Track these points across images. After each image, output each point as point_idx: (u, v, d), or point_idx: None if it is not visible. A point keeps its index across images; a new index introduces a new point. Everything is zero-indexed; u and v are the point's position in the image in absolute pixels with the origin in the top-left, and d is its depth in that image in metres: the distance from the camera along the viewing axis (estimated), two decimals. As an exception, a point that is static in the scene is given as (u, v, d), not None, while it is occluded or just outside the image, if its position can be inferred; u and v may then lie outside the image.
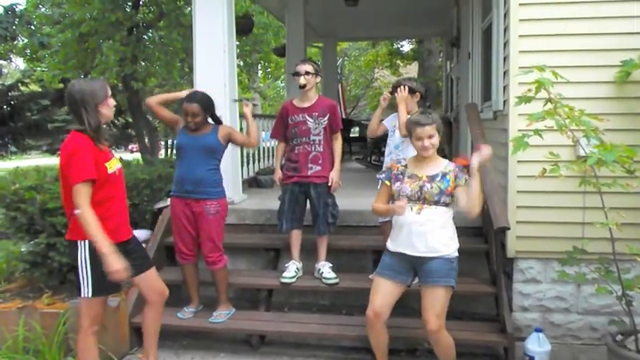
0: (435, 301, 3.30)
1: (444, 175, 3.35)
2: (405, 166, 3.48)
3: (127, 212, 3.41)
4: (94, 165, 3.04)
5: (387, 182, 3.50)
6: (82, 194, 2.98)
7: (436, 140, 3.35)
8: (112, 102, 3.23)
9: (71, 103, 3.11)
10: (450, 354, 3.46)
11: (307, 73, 4.38)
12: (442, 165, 3.41)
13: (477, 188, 3.24)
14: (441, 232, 3.31)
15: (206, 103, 4.18)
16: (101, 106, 3.14)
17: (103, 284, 3.13)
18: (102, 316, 3.37)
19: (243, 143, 4.51)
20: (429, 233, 3.29)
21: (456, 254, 3.37)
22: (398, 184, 3.42)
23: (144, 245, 3.92)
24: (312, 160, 4.43)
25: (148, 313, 3.62)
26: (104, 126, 3.30)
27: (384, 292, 3.44)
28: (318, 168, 4.44)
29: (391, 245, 3.48)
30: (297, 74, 4.40)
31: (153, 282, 3.55)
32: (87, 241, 3.07)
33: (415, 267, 3.38)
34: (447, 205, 3.34)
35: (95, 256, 3.04)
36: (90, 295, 3.16)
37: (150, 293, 3.54)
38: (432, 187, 3.31)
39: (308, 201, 4.53)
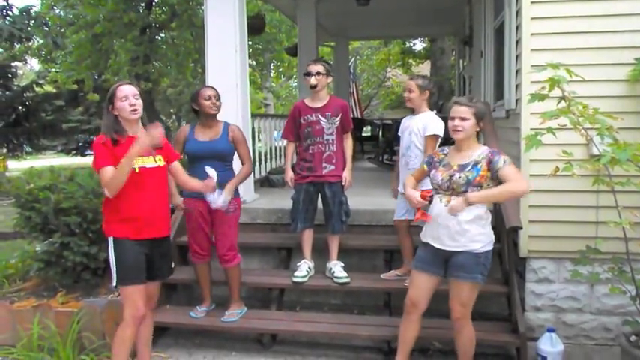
0: (460, 293, 3.30)
1: (475, 165, 3.19)
2: (446, 154, 3.40)
3: (162, 211, 3.46)
4: (109, 155, 3.24)
5: (424, 166, 3.49)
6: (102, 176, 3.22)
7: (468, 125, 3.21)
8: (122, 104, 3.29)
9: None
10: (469, 347, 3.45)
11: (318, 73, 4.38)
12: (476, 153, 3.24)
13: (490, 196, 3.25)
14: (469, 226, 3.20)
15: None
16: (113, 109, 3.32)
17: (126, 275, 3.33)
18: (143, 306, 3.38)
19: (242, 161, 4.35)
20: (454, 227, 3.21)
21: (487, 249, 3.25)
22: (433, 171, 3.38)
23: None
24: (326, 159, 4.44)
25: (140, 324, 3.56)
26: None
27: (417, 285, 3.43)
28: (332, 167, 4.44)
29: (422, 235, 3.47)
30: (309, 74, 4.40)
31: (152, 291, 3.59)
32: (112, 238, 3.33)
33: (445, 258, 3.32)
34: None
35: (118, 251, 3.32)
36: (115, 283, 3.35)
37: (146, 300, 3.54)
38: (459, 177, 3.19)
39: (319, 200, 4.54)
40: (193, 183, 3.70)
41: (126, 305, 3.36)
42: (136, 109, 3.32)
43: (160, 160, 3.43)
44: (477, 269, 3.23)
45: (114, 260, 3.32)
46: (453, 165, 3.28)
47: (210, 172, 3.62)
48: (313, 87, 4.40)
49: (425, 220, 3.38)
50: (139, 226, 3.33)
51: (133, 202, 3.29)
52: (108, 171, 3.19)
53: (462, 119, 3.21)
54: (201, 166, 4.14)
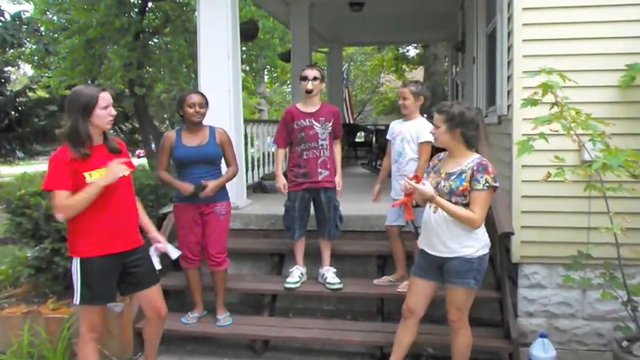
0: (455, 298, 3.30)
1: (461, 174, 3.15)
2: (440, 159, 3.38)
3: (130, 222, 3.29)
4: (68, 175, 3.01)
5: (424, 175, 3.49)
6: (55, 197, 2.99)
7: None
8: (103, 112, 3.09)
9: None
10: (465, 351, 3.43)
11: (315, 78, 4.38)
12: (466, 162, 3.18)
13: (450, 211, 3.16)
14: (459, 231, 3.18)
15: (206, 97, 4.24)
16: (89, 116, 3.06)
17: (90, 294, 3.18)
18: (101, 325, 3.34)
19: (228, 163, 4.34)
20: (445, 233, 3.21)
21: (480, 254, 3.21)
22: (426, 177, 3.39)
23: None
24: (321, 164, 4.43)
25: (146, 327, 3.63)
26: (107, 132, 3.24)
27: (415, 291, 3.43)
28: (327, 173, 4.45)
29: (419, 242, 3.47)
30: (305, 79, 4.39)
31: (152, 300, 3.44)
32: (78, 258, 3.15)
33: (440, 265, 3.31)
34: (465, 204, 3.15)
35: (84, 269, 3.14)
36: (77, 302, 3.21)
37: (148, 310, 3.49)
38: (444, 186, 3.18)
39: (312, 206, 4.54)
40: (145, 219, 3.51)
41: (82, 322, 3.27)
42: (112, 120, 3.18)
43: (124, 169, 3.18)
44: (470, 274, 3.22)
45: (79, 280, 3.14)
46: (442, 172, 3.27)
47: (174, 253, 3.63)
48: (309, 92, 4.39)
49: (407, 217, 3.43)
50: (103, 241, 3.14)
51: (96, 216, 3.10)
52: (62, 195, 2.98)
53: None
54: (191, 171, 4.15)
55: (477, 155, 3.23)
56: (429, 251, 3.33)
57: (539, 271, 4.28)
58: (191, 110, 4.12)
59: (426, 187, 3.17)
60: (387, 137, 4.46)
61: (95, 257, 3.14)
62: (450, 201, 3.16)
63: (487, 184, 3.10)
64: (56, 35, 12.35)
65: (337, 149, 4.59)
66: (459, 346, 3.43)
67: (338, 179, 4.51)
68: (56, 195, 2.98)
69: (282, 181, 4.58)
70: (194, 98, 4.14)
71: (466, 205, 3.15)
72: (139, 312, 4.27)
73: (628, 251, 3.59)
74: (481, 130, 3.36)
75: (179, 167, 4.25)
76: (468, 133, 3.18)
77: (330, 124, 4.44)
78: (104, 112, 3.09)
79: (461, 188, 3.14)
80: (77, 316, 4.05)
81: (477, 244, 3.22)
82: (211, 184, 4.12)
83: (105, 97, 3.11)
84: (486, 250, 3.28)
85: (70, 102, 3.07)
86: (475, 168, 3.13)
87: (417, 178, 3.28)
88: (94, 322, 3.27)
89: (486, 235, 3.31)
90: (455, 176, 3.18)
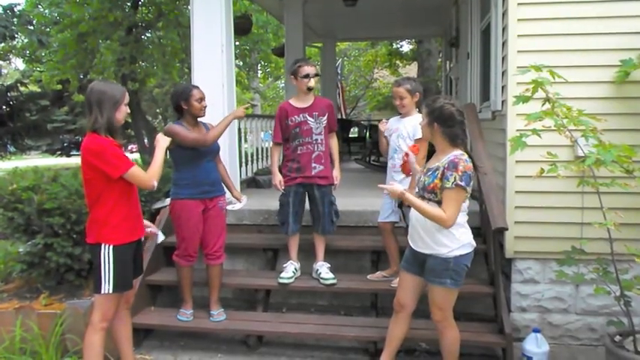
0: (434, 297, 3.30)
1: (435, 170, 3.12)
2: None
3: (140, 209, 3.50)
4: (128, 158, 3.26)
5: None
6: (137, 174, 3.22)
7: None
8: (125, 107, 3.31)
9: (89, 101, 3.22)
10: (453, 348, 3.44)
11: (316, 75, 4.41)
12: (444, 158, 3.11)
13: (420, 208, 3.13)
14: (432, 229, 3.16)
15: None
16: (117, 109, 3.25)
17: (122, 282, 3.31)
18: (113, 315, 3.41)
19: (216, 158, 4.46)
20: (422, 228, 3.22)
21: (457, 254, 3.16)
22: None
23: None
24: (315, 159, 4.42)
25: (120, 325, 3.59)
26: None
27: (404, 285, 3.45)
28: (322, 167, 4.44)
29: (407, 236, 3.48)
30: (307, 76, 4.34)
31: (133, 291, 3.60)
32: (110, 246, 3.25)
33: (421, 260, 3.31)
34: (438, 202, 3.09)
35: (116, 256, 3.26)
36: (110, 290, 3.28)
37: (123, 301, 3.54)
38: (420, 180, 3.22)
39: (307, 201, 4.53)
40: None
41: (99, 310, 3.33)
42: (127, 115, 3.40)
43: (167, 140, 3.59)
44: (447, 274, 3.19)
45: (111, 268, 3.24)
46: (426, 166, 3.29)
47: (161, 237, 3.79)
48: (311, 89, 4.40)
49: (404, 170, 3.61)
50: (132, 227, 3.35)
51: (125, 202, 3.30)
52: (138, 170, 3.23)
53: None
54: (203, 164, 4.16)
55: (456, 152, 3.13)
56: (412, 245, 3.36)
57: (532, 266, 4.29)
58: (199, 105, 4.14)
59: (395, 185, 3.23)
60: (385, 134, 4.44)
61: (127, 244, 3.31)
62: (423, 197, 3.16)
63: (455, 183, 3.03)
64: (48, 29, 12.25)
65: (334, 143, 4.58)
66: (447, 344, 3.44)
67: (336, 173, 4.51)
68: (135, 173, 3.21)
69: (278, 178, 4.54)
70: (200, 92, 4.17)
71: (439, 203, 3.10)
72: (134, 305, 4.26)
73: (621, 246, 3.59)
74: (466, 127, 3.31)
75: (191, 160, 4.12)
76: (446, 129, 3.14)
77: (325, 118, 4.43)
78: (125, 107, 3.32)
79: (432, 185, 3.11)
80: (70, 312, 4.05)
81: (452, 245, 3.17)
82: (237, 193, 4.50)
83: (127, 94, 3.36)
84: (465, 251, 3.20)
85: (101, 96, 3.20)
86: (446, 165, 3.07)
87: (416, 148, 3.31)
88: (111, 311, 3.37)
89: (467, 235, 3.23)
90: (431, 172, 3.16)
